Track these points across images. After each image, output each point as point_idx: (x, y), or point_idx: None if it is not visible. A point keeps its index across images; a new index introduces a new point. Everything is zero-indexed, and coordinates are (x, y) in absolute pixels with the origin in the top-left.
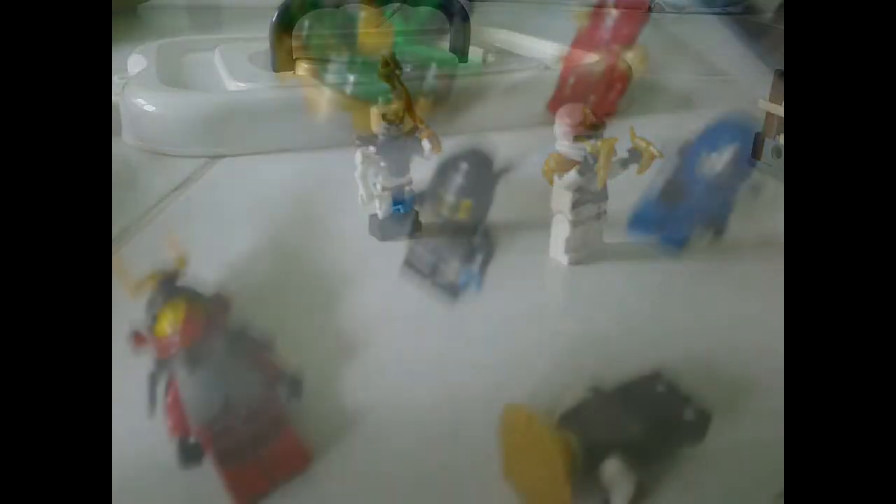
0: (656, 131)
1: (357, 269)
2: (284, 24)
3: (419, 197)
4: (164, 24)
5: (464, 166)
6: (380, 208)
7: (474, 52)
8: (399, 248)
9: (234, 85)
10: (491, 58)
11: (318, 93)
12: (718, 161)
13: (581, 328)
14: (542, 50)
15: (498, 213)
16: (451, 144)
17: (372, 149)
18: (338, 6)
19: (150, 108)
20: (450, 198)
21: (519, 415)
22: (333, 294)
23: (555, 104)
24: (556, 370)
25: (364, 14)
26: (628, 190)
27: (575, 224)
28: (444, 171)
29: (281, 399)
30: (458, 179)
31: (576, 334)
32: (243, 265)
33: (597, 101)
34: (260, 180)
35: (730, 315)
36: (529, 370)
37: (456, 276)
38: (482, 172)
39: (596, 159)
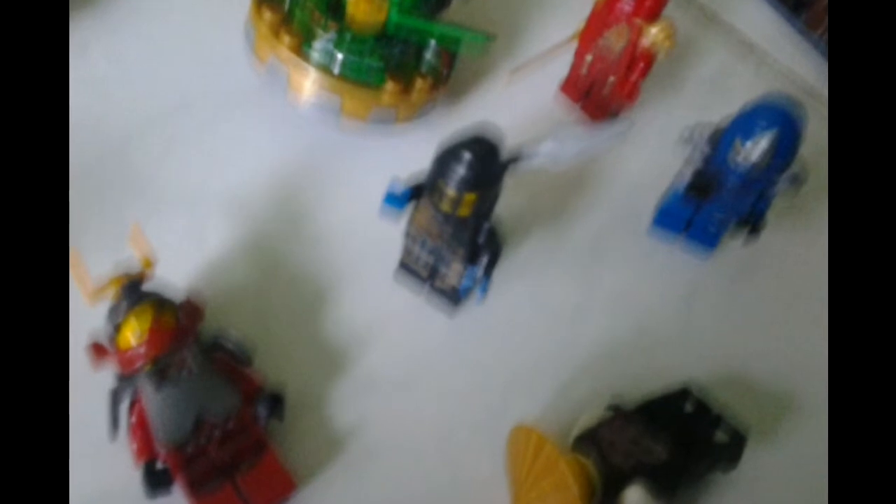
0: (684, 117)
1: (347, 272)
2: None
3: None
4: None
5: (467, 156)
6: None
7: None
8: (394, 248)
9: None
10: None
11: (302, 73)
12: (755, 150)
13: (599, 338)
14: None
15: (506, 208)
16: (452, 130)
17: None
18: None
19: None
20: (451, 191)
21: (529, 437)
22: (320, 299)
23: (568, 86)
24: (570, 386)
25: None
26: (652, 183)
27: None
28: (445, 160)
29: (260, 418)
30: (460, 170)
31: (593, 345)
32: (218, 266)
33: (617, 82)
34: (238, 168)
35: (767, 325)
36: (540, 386)
37: (458, 280)
38: (488, 162)
39: None
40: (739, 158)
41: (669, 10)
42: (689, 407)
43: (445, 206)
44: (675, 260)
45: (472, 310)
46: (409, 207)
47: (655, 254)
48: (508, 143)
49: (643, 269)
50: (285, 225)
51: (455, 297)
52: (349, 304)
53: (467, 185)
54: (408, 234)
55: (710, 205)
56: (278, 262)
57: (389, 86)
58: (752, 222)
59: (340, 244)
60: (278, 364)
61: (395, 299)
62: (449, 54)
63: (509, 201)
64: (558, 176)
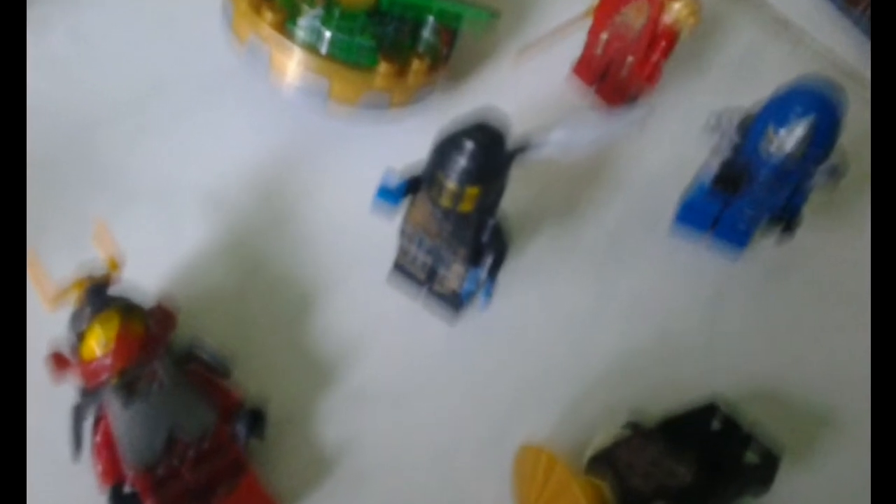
0: (710, 101)
1: (336, 274)
2: None
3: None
4: None
5: (469, 145)
6: None
7: None
8: (388, 248)
9: None
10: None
11: (286, 53)
12: (789, 138)
13: (615, 348)
14: None
15: (512, 203)
16: (452, 116)
17: None
18: None
19: None
20: (451, 184)
21: (538, 457)
22: (306, 304)
23: (582, 68)
24: (583, 401)
25: None
26: (674, 175)
27: None
28: (445, 150)
29: (239, 436)
30: (461, 161)
31: (608, 355)
32: (193, 268)
33: (636, 63)
34: (215, 159)
35: (802, 332)
36: (550, 400)
37: (459, 283)
38: (492, 152)
39: None
40: (772, 148)
41: None
42: (715, 424)
43: (445, 201)
44: (700, 261)
45: (475, 316)
46: (405, 202)
47: (678, 254)
48: (515, 130)
49: (665, 271)
50: (267, 222)
51: (456, 301)
52: (338, 310)
53: (470, 177)
54: (403, 233)
55: (740, 200)
56: (260, 264)
57: (383, 67)
58: (787, 219)
59: (329, 243)
60: (260, 376)
61: (389, 304)
62: (449, 32)
63: (516, 195)
64: (570, 167)
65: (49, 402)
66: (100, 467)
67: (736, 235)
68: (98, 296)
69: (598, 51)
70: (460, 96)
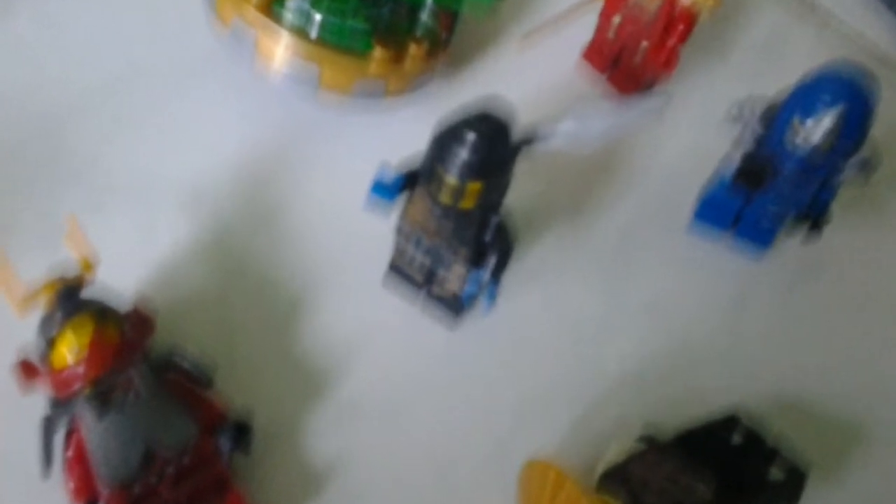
0: (731, 89)
1: (327, 275)
2: None
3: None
4: None
5: (471, 136)
6: None
7: None
8: (384, 247)
9: None
10: None
11: (273, 38)
12: (817, 129)
13: (628, 355)
14: None
15: (518, 199)
16: (453, 106)
17: None
18: None
19: None
20: (452, 179)
21: (545, 473)
22: (295, 308)
23: (592, 53)
24: (594, 413)
25: None
26: (693, 169)
27: None
28: (445, 142)
29: (223, 451)
30: (462, 154)
31: (621, 364)
32: (173, 269)
33: (651, 48)
34: (197, 151)
35: (830, 339)
36: (558, 412)
37: (460, 285)
38: (496, 144)
39: None
40: (798, 140)
41: None
42: (737, 438)
43: (445, 198)
44: (720, 261)
45: (477, 321)
46: (402, 199)
47: (697, 254)
48: (520, 121)
49: (681, 273)
50: (253, 219)
51: (456, 305)
52: (330, 315)
53: (471, 171)
54: (400, 231)
55: (764, 195)
56: (245, 264)
57: (377, 52)
58: (814, 216)
59: (319, 242)
60: (245, 386)
61: (384, 308)
62: (449, 15)
63: (522, 191)
64: (580, 160)
65: (17, 415)
66: (71, 484)
67: (759, 234)
68: (70, 299)
69: (611, 35)
70: (461, 84)
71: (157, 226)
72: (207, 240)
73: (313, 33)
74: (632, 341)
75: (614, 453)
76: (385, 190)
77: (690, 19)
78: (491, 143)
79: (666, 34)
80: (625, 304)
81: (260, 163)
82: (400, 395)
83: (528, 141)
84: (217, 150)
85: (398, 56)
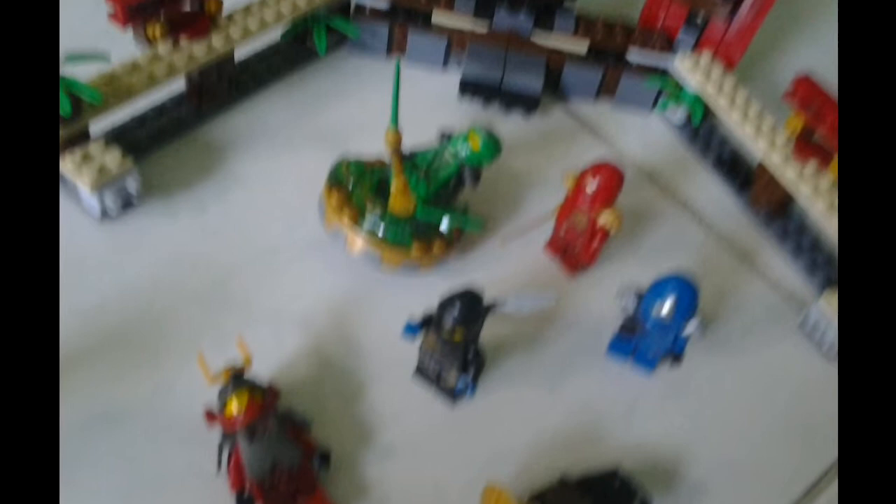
0: (639, 273)
1: (379, 372)
2: (333, 182)
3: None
4: None
5: (458, 303)
6: None
7: None
8: (412, 358)
9: None
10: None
11: (357, 235)
12: (664, 307)
13: (561, 431)
14: None
15: (491, 334)
16: (458, 281)
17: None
18: (374, 170)
19: None
20: (448, 325)
21: (494, 493)
22: (359, 388)
23: (550, 245)
24: (534, 463)
25: (395, 181)
26: (612, 319)
27: None
28: (444, 305)
29: (314, 467)
30: (454, 312)
31: (555, 436)
32: (291, 364)
33: (582, 248)
34: (308, 296)
35: (684, 426)
36: (510, 461)
37: (454, 383)
38: (472, 308)
39: None
40: (653, 312)
41: (635, 187)
42: (616, 483)
43: (445, 335)
44: (624, 375)
45: (465, 405)
46: (422, 333)
47: (610, 369)
48: (490, 293)
49: (599, 380)
50: (338, 338)
51: (453, 394)
52: (379, 395)
53: (458, 322)
54: (421, 350)
55: (645, 340)
56: (331, 364)
57: (416, 246)
58: (675, 353)
59: (375, 353)
60: (327, 433)
61: (412, 394)
62: (458, 228)
63: (493, 329)
64: (538, 312)
65: (206, 440)
66: (231, 479)
67: (646, 361)
68: (237, 379)
69: (561, 234)
70: (464, 264)
71: (283, 339)
72: (311, 348)
73: (380, 235)
74: (563, 422)
75: (539, 486)
76: (412, 329)
77: (604, 234)
78: (469, 308)
79: (590, 240)
80: (559, 399)
81: (345, 304)
82: (418, 443)
83: (492, 307)
84: (319, 296)
85: (428, 248)
